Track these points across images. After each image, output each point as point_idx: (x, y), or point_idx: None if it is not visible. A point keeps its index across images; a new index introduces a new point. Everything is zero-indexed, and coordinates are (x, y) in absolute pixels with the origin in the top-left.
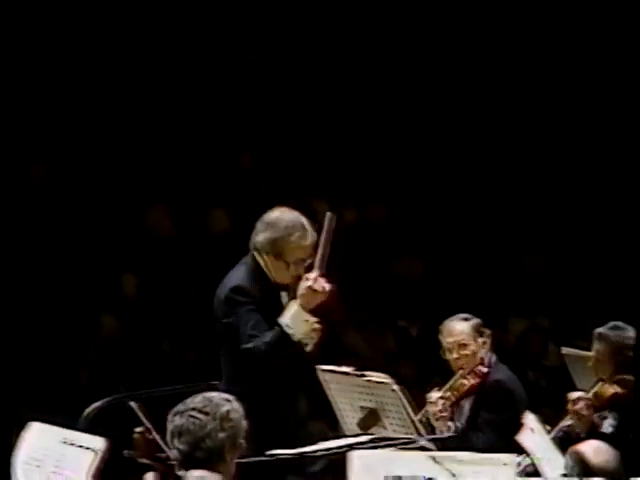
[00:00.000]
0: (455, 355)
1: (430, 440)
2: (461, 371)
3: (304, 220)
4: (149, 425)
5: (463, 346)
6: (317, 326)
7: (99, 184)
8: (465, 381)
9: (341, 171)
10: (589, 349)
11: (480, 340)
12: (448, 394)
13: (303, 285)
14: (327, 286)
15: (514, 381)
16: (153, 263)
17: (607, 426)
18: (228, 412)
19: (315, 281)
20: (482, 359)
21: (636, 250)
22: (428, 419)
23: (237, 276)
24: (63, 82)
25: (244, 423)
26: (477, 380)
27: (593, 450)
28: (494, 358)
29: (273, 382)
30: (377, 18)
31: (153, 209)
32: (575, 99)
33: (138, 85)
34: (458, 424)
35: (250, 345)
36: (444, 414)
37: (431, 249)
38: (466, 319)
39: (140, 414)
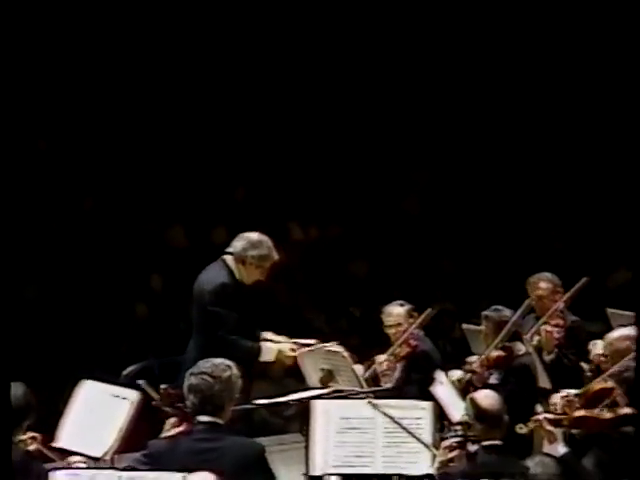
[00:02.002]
0: (393, 331)
1: (377, 391)
2: (397, 342)
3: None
4: None
5: (398, 325)
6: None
7: (134, 211)
8: (401, 350)
9: (308, 201)
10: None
11: (411, 321)
12: (391, 358)
13: (285, 350)
14: (292, 356)
15: (435, 351)
16: (173, 266)
17: (493, 379)
18: (230, 376)
19: (289, 353)
20: (412, 334)
21: (514, 257)
22: (373, 376)
23: (222, 275)
24: (105, 134)
25: (240, 382)
26: (409, 349)
27: (483, 396)
28: (421, 333)
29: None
30: (328, 73)
31: (172, 227)
32: (476, 153)
33: (160, 138)
34: (397, 375)
35: (230, 338)
36: (388, 372)
37: (373, 255)
38: (402, 305)
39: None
